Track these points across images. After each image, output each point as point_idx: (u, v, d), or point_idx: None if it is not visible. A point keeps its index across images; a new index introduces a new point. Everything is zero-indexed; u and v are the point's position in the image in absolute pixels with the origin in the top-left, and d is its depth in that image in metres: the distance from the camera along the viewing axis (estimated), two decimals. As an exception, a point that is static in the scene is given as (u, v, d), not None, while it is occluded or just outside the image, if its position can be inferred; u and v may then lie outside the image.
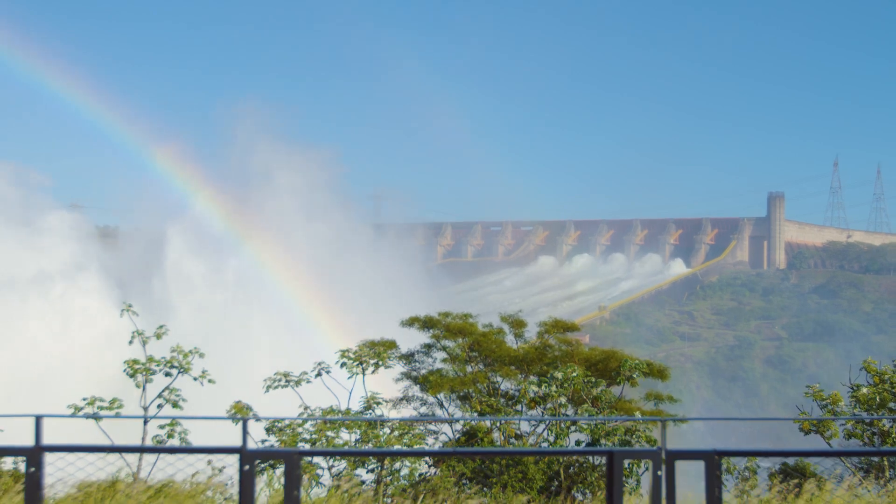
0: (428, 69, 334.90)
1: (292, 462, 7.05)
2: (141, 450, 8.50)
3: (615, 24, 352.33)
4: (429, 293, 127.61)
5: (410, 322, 19.94)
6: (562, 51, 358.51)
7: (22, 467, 16.53)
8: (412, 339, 20.43)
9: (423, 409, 19.64)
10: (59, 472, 11.73)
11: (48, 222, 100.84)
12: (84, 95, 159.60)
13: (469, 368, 19.36)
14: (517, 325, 20.18)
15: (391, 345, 18.98)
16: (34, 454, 7.29)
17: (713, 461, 7.24)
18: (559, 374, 16.97)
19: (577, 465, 16.02)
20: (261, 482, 15.24)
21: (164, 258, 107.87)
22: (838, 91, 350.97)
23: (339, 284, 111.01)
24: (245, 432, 7.63)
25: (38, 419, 7.65)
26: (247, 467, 7.05)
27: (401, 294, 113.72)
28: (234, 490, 13.41)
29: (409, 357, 20.04)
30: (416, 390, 19.82)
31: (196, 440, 15.22)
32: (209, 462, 14.11)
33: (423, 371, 19.79)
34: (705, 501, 7.23)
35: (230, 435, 13.20)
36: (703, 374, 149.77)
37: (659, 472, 7.19)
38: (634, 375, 17.60)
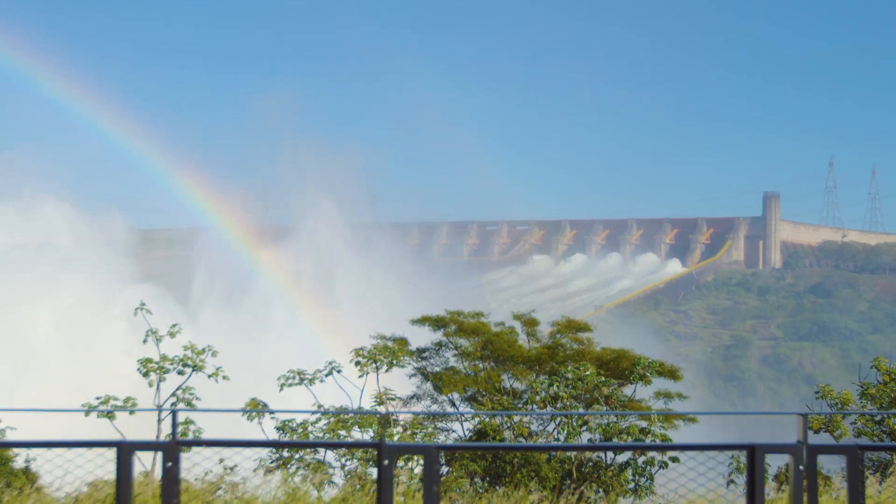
0: (424, 68, 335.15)
1: (431, 457, 7.11)
2: (277, 444, 8.44)
3: (611, 23, 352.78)
4: (425, 293, 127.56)
5: (422, 321, 19.93)
6: (557, 50, 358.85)
7: (32, 466, 16.49)
8: (418, 338, 20.40)
9: (435, 408, 19.62)
10: (56, 471, 11.66)
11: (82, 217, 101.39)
12: (81, 94, 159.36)
13: (481, 367, 19.34)
14: (530, 323, 20.19)
15: (403, 343, 18.96)
16: (171, 449, 7.29)
17: (856, 455, 7.34)
18: (569, 374, 16.95)
19: (589, 463, 16.02)
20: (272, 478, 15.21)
21: (194, 261, 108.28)
22: (834, 91, 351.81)
23: (340, 285, 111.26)
24: (383, 428, 7.85)
25: (175, 413, 7.68)
26: (386, 462, 7.15)
27: (398, 293, 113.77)
28: (244, 488, 13.34)
29: (420, 353, 20.02)
30: (427, 388, 19.79)
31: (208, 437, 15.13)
32: (221, 461, 14.05)
33: (436, 369, 19.77)
34: (847, 496, 7.30)
35: (238, 434, 13.14)
36: (700, 373, 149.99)
37: (801, 467, 7.29)
38: (648, 374, 17.59)
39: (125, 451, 7.27)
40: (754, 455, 7.20)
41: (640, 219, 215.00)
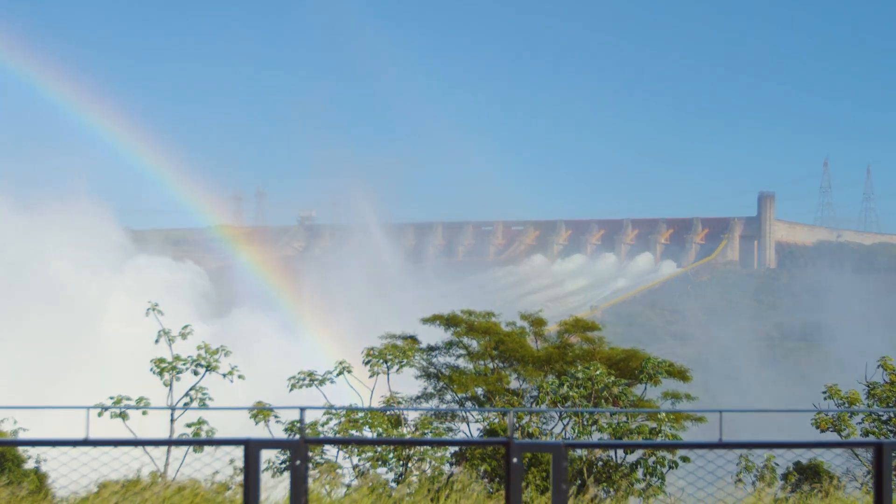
0: (418, 69, 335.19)
1: (559, 454, 7.02)
2: (402, 442, 8.36)
3: (606, 23, 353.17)
4: (423, 293, 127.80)
5: (433, 319, 19.96)
6: (553, 51, 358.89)
7: (42, 467, 16.49)
8: (425, 339, 20.41)
9: (443, 407, 19.62)
10: (61, 470, 11.65)
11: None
12: (85, 95, 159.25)
13: (491, 367, 19.37)
14: (537, 323, 20.22)
15: (413, 342, 18.97)
16: (299, 448, 7.27)
17: None
18: (580, 374, 16.94)
19: (600, 462, 16.04)
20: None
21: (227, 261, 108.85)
22: (829, 92, 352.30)
23: (340, 287, 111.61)
24: (512, 426, 7.74)
25: (302, 411, 7.69)
26: (515, 460, 7.09)
27: (395, 294, 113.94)
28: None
29: (429, 351, 20.04)
30: (434, 387, 19.81)
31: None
32: (231, 461, 14.05)
33: (444, 369, 19.78)
34: None
35: (243, 433, 13.14)
36: (695, 373, 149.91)
37: None
38: (658, 374, 17.61)
39: (252, 448, 7.29)
40: (882, 452, 7.16)
41: (635, 219, 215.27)
